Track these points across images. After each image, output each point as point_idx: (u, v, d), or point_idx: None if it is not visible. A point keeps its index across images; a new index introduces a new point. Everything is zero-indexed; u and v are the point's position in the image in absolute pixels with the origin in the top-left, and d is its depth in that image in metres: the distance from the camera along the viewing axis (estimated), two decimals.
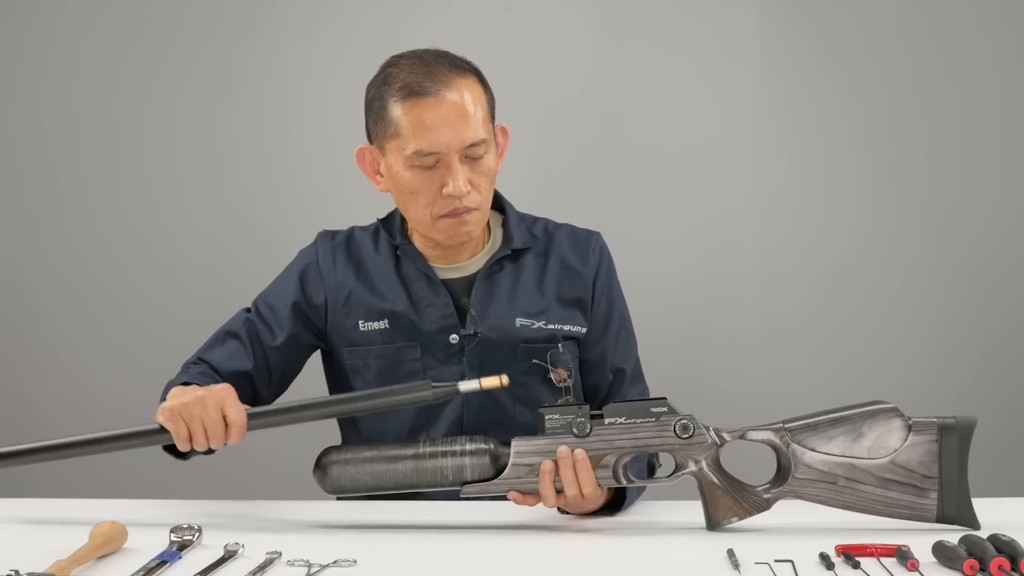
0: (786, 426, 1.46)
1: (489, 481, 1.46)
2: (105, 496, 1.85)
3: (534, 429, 1.47)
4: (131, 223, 3.00)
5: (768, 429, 1.46)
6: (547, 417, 1.46)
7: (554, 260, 1.78)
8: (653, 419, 1.46)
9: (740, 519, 1.45)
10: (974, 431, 1.45)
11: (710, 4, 3.01)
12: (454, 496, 1.50)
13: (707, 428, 1.47)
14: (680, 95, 3.01)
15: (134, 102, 2.99)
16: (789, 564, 1.27)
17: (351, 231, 1.83)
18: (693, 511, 1.48)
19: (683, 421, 1.46)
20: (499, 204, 1.81)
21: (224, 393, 1.53)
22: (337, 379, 1.81)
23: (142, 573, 1.24)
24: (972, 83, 2.99)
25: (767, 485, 1.47)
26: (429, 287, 1.73)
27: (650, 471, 1.64)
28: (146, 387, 2.97)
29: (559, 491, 1.45)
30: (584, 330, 1.76)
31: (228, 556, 1.31)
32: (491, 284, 1.74)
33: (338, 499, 1.71)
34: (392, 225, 1.79)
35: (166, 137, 3.00)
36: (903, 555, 1.27)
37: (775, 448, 1.46)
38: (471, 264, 1.75)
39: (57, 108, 3.00)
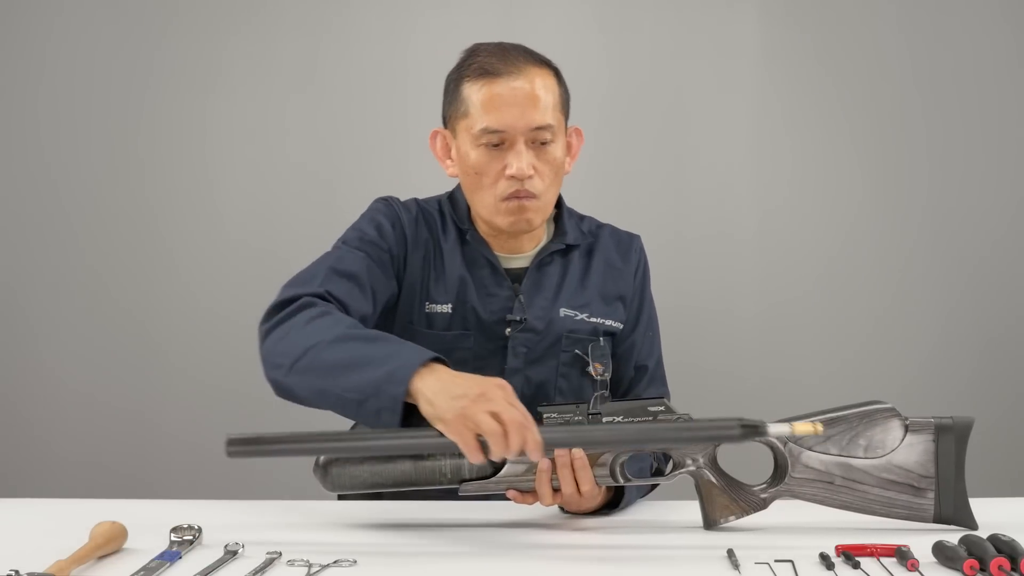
0: None
1: (487, 479, 1.47)
2: (105, 496, 1.85)
3: None
4: (129, 226, 3.00)
5: None
6: (546, 416, 1.46)
7: (598, 258, 1.80)
8: (651, 419, 1.46)
9: (737, 518, 1.45)
10: (971, 431, 1.45)
11: (710, 4, 3.01)
12: (453, 495, 1.50)
13: None
14: (680, 95, 3.01)
15: (130, 106, 2.99)
16: (789, 564, 1.27)
17: (417, 203, 1.78)
18: (691, 510, 1.49)
19: (680, 420, 1.46)
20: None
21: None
22: None
23: (142, 573, 1.24)
24: (972, 82, 3.00)
25: (764, 484, 1.47)
26: (493, 276, 1.73)
27: (656, 475, 1.63)
28: (144, 389, 3.00)
29: (556, 490, 1.46)
30: (621, 326, 1.78)
31: (228, 556, 1.31)
32: (540, 275, 1.75)
33: (338, 498, 1.71)
34: (459, 208, 1.77)
35: (164, 139, 3.00)
36: (903, 555, 1.28)
37: (772, 447, 1.46)
38: (528, 256, 1.76)
39: (55, 109, 3.00)
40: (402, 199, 1.79)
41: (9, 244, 3.00)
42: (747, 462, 1.65)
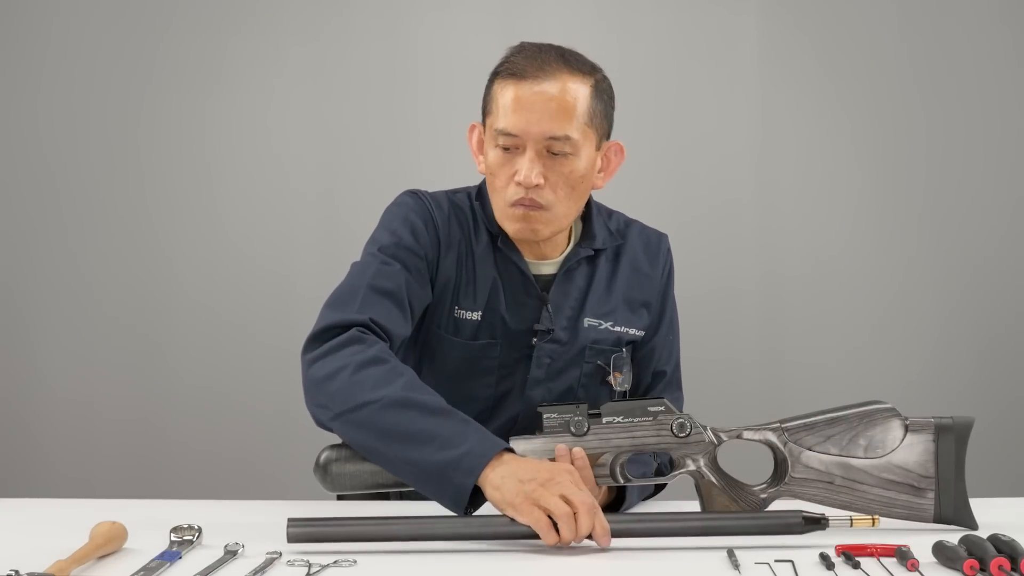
0: (783, 426, 1.46)
1: None
2: (105, 496, 1.85)
3: None
4: (128, 226, 3.01)
5: (765, 429, 1.46)
6: (545, 416, 1.46)
7: (625, 262, 1.74)
8: (650, 418, 1.46)
9: None
10: (971, 431, 1.45)
11: (710, 4, 3.01)
12: None
13: (704, 427, 1.47)
14: (680, 95, 3.01)
15: (130, 106, 2.99)
16: (789, 564, 1.27)
17: (448, 199, 1.72)
18: (691, 510, 1.48)
19: (680, 420, 1.46)
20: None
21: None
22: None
23: (142, 573, 1.24)
24: (972, 82, 3.00)
25: (764, 484, 1.47)
26: (523, 285, 1.68)
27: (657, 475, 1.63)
28: (144, 390, 3.00)
29: None
30: (644, 333, 1.75)
31: (228, 556, 1.31)
32: (567, 283, 1.70)
33: (338, 498, 1.71)
34: (489, 210, 1.69)
35: (164, 140, 3.01)
36: (903, 555, 1.27)
37: (772, 447, 1.46)
38: (556, 261, 1.71)
39: (54, 109, 3.00)
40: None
41: (9, 244, 3.00)
42: (747, 462, 1.65)
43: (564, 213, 1.62)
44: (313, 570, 1.26)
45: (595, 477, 1.45)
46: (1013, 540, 1.25)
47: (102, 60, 2.98)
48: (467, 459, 1.38)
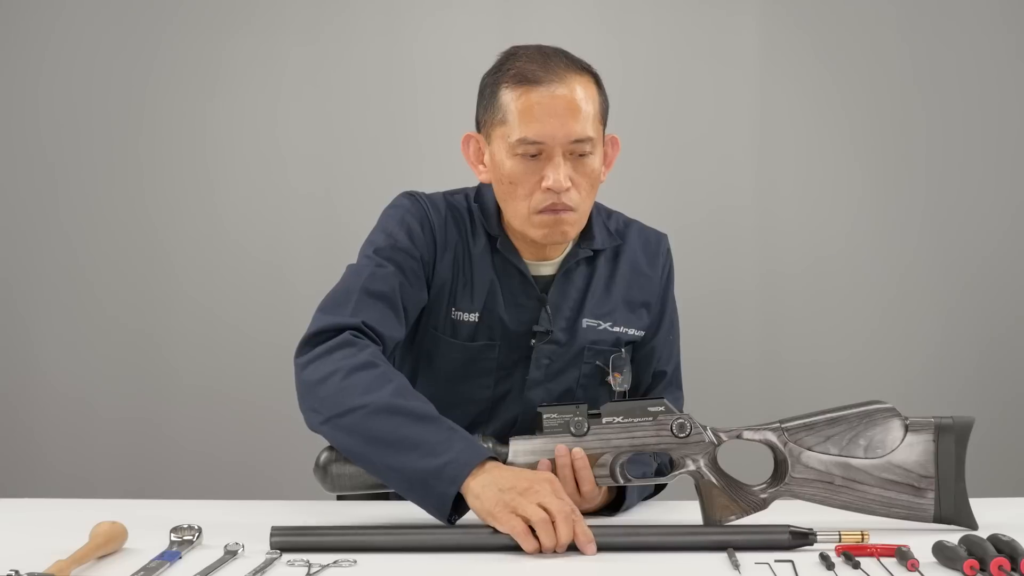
0: (783, 426, 1.46)
1: None
2: (105, 496, 1.85)
3: None
4: (128, 227, 3.01)
5: (765, 429, 1.46)
6: (545, 416, 1.46)
7: (624, 262, 1.74)
8: (650, 419, 1.46)
9: (737, 518, 1.45)
10: (971, 431, 1.45)
11: (710, 4, 3.01)
12: None
13: (704, 427, 1.47)
14: (680, 95, 3.01)
15: (130, 106, 2.99)
16: (789, 564, 1.27)
17: (445, 200, 1.71)
18: (691, 510, 1.49)
19: (680, 420, 1.46)
20: None
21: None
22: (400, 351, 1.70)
23: (142, 573, 1.24)
24: (972, 82, 3.00)
25: (764, 484, 1.47)
26: (522, 286, 1.68)
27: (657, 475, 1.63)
28: (144, 390, 3.00)
29: None
30: (643, 333, 1.75)
31: (228, 556, 1.31)
32: (566, 283, 1.69)
33: (338, 499, 1.71)
34: (488, 212, 1.69)
35: (164, 140, 3.01)
36: (903, 555, 1.27)
37: (772, 447, 1.46)
38: (555, 262, 1.70)
39: (54, 110, 3.00)
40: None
41: (9, 244, 3.00)
42: (747, 462, 1.65)
43: (586, 211, 1.64)
44: (313, 570, 1.26)
45: (595, 477, 1.46)
46: (1013, 540, 1.25)
47: (102, 59, 2.98)
48: (450, 467, 1.38)
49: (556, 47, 1.63)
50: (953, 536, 1.30)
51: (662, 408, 1.47)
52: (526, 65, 1.58)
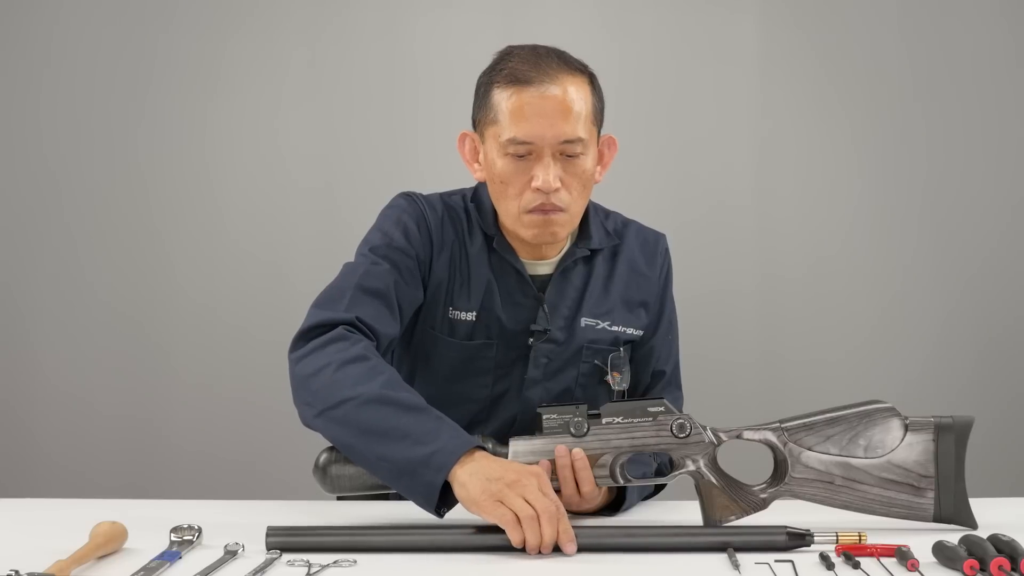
0: (783, 426, 1.46)
1: None
2: (105, 496, 1.85)
3: None
4: (128, 226, 3.01)
5: (765, 429, 1.46)
6: (545, 417, 1.46)
7: (622, 262, 1.74)
8: (650, 419, 1.46)
9: (737, 518, 1.45)
10: (971, 431, 1.45)
11: (710, 4, 3.01)
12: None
13: (704, 428, 1.47)
14: (680, 94, 3.01)
15: (130, 106, 2.99)
16: (789, 564, 1.28)
17: (442, 200, 1.71)
18: (691, 510, 1.49)
19: (680, 421, 1.46)
20: None
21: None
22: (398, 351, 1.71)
23: (142, 573, 1.24)
24: (972, 83, 3.00)
25: (764, 484, 1.47)
26: (519, 285, 1.68)
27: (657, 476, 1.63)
28: (144, 390, 3.00)
29: (556, 491, 1.45)
30: (642, 332, 1.75)
31: (228, 556, 1.31)
32: (564, 283, 1.69)
33: (338, 499, 1.71)
34: (485, 212, 1.69)
35: (165, 140, 3.01)
36: (903, 555, 1.27)
37: (772, 447, 1.46)
38: (552, 262, 1.70)
39: (55, 110, 3.00)
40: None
41: (9, 244, 3.01)
42: (747, 462, 1.65)
43: (577, 212, 1.64)
44: (313, 570, 1.26)
45: (595, 478, 1.45)
46: (1013, 540, 1.25)
47: (102, 59, 2.98)
48: (437, 456, 1.37)
49: (552, 47, 1.63)
50: (953, 536, 1.30)
51: (662, 408, 1.47)
52: (518, 65, 1.58)
